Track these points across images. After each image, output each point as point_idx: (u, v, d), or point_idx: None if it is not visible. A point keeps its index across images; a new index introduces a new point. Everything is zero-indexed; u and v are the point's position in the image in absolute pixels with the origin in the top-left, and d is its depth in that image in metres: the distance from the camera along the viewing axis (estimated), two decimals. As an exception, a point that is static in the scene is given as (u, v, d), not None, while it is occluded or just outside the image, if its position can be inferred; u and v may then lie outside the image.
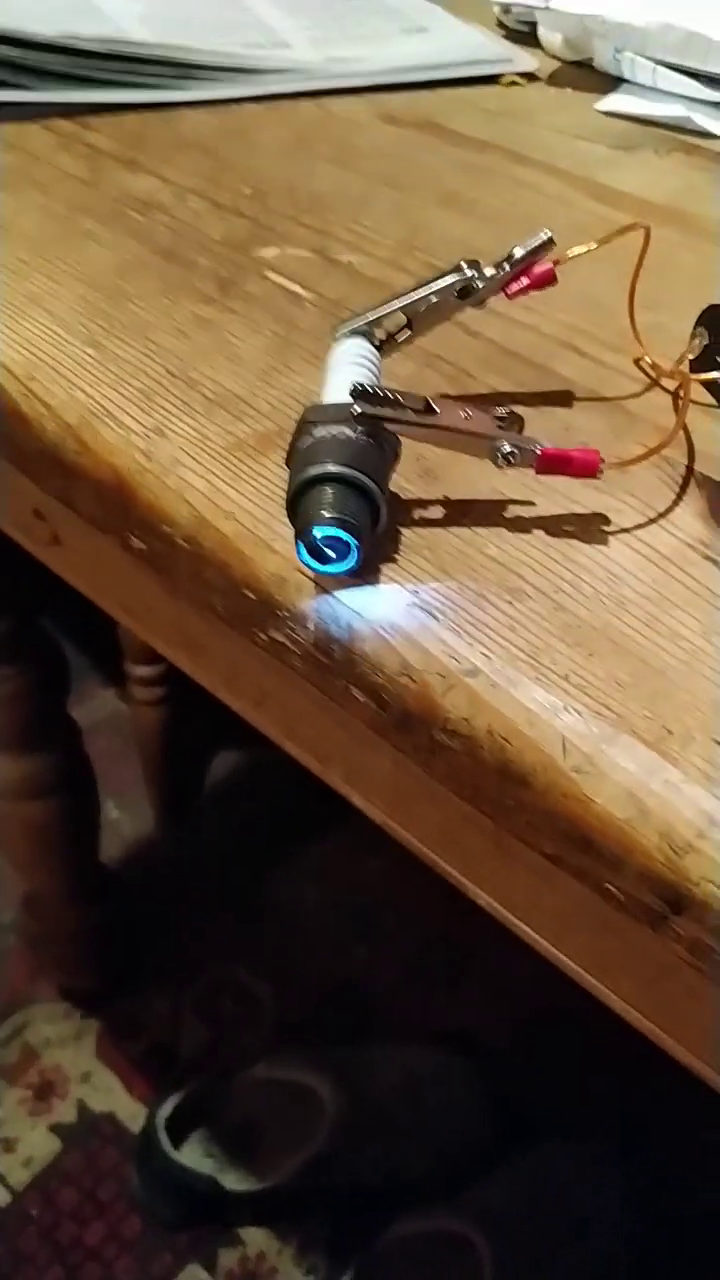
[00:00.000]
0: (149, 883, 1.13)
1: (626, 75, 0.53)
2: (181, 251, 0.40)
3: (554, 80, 0.56)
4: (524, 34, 0.60)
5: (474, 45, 0.56)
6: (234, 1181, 0.89)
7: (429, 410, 0.28)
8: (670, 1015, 0.33)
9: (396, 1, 0.60)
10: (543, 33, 0.58)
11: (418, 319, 0.32)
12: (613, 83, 0.54)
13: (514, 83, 0.55)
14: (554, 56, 0.58)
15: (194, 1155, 0.91)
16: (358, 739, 0.37)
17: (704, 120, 0.50)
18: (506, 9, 0.60)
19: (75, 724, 0.85)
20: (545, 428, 0.33)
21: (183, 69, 0.50)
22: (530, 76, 0.56)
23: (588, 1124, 0.94)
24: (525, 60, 0.56)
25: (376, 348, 0.32)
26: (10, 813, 0.84)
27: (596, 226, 0.34)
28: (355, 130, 0.50)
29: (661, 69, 0.51)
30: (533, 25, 0.59)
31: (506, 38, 0.60)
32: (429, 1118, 0.91)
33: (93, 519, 0.35)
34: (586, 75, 0.56)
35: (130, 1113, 0.98)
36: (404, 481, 0.31)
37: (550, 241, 0.32)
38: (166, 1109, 0.91)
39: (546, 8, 0.55)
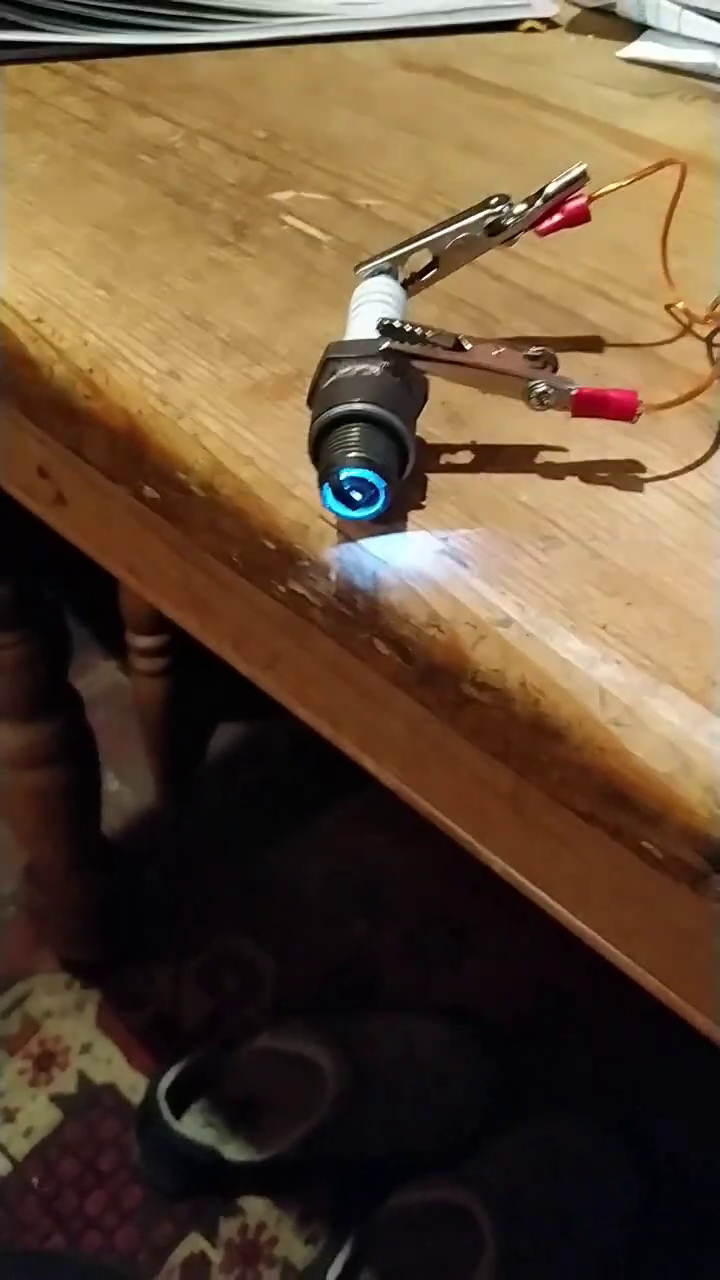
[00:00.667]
0: (151, 854, 1.13)
1: (650, 21, 0.52)
2: (194, 194, 0.39)
3: (574, 27, 0.54)
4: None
5: (492, -11, 0.54)
6: (235, 1152, 0.89)
7: (459, 348, 0.27)
8: (691, 982, 0.33)
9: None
10: (563, -22, 0.56)
11: (444, 257, 0.31)
12: (636, 30, 0.53)
13: (533, 29, 0.53)
14: (575, 3, 0.56)
15: (195, 1126, 0.91)
16: (371, 702, 0.36)
17: (730, 68, 0.49)
18: (524, -45, 0.59)
19: (77, 693, 0.84)
20: (575, 373, 0.31)
21: (194, 11, 0.49)
22: (550, 23, 0.54)
23: (590, 1095, 0.94)
24: (545, 5, 0.54)
25: (401, 287, 0.31)
26: (12, 782, 0.83)
27: (621, 173, 0.33)
28: (371, 75, 0.48)
29: (688, 13, 0.50)
30: (552, -29, 0.57)
31: (524, -15, 0.58)
32: (431, 1089, 0.90)
33: (104, 468, 0.34)
34: (609, 22, 0.54)
35: (131, 1083, 0.97)
36: (430, 426, 0.29)
37: (584, 176, 0.30)
38: (167, 1080, 0.91)
39: (567, -49, 0.53)
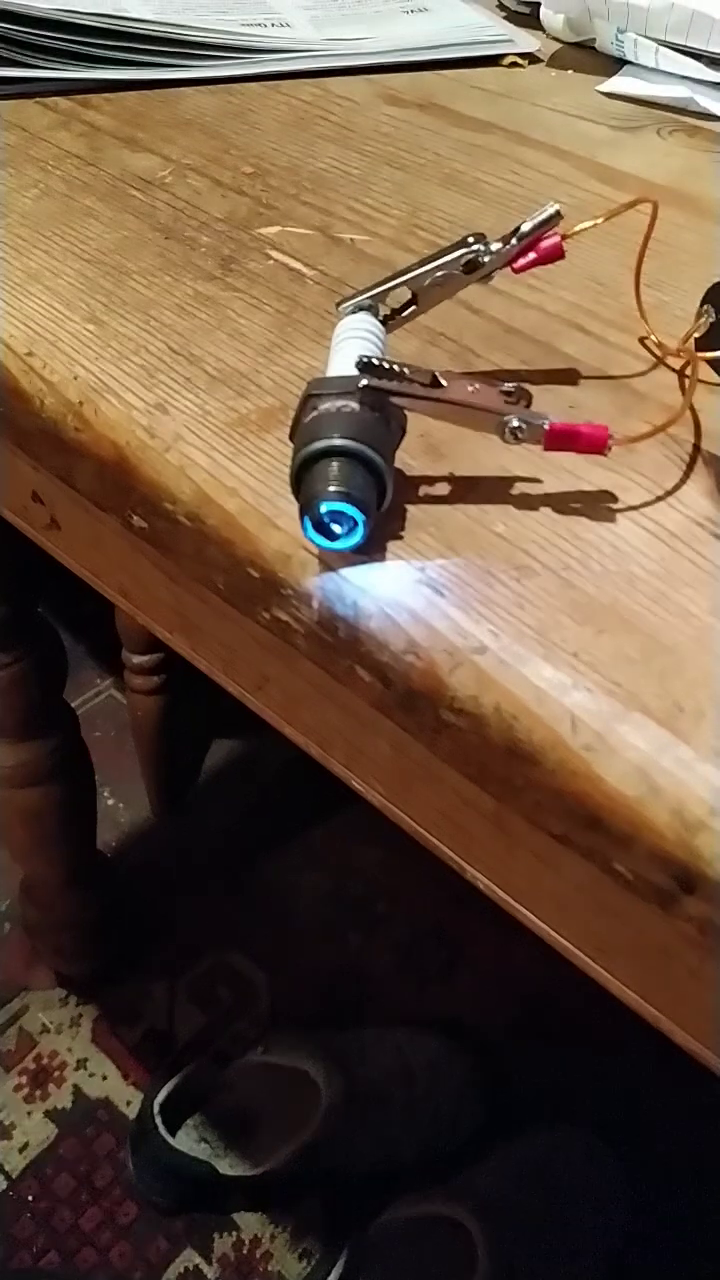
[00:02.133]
0: (145, 870, 1.13)
1: (629, 57, 0.53)
2: (182, 229, 0.40)
3: (555, 62, 0.55)
4: (525, 16, 0.60)
5: (475, 26, 0.56)
6: (229, 1166, 0.89)
7: (436, 384, 0.28)
8: (672, 998, 0.33)
9: (397, -19, 0.59)
10: (544, 14, 0.57)
11: (423, 294, 0.32)
12: (615, 64, 0.54)
13: (515, 64, 0.54)
14: (555, 38, 0.57)
15: (189, 1141, 0.91)
16: (358, 722, 0.37)
17: (707, 101, 0.50)
18: (508, -10, 0.60)
19: (72, 711, 0.84)
20: (550, 406, 0.33)
21: (182, 48, 0.50)
22: (531, 58, 0.55)
23: (581, 1107, 0.94)
24: (527, 41, 0.55)
25: (381, 323, 0.32)
26: (8, 800, 0.84)
27: (599, 207, 0.34)
28: (356, 110, 0.50)
29: (664, 50, 0.51)
30: (534, 7, 0.59)
31: (508, 20, 0.59)
32: (423, 1102, 0.91)
33: (93, 497, 0.35)
34: (588, 57, 0.55)
35: (126, 1099, 0.98)
36: (409, 458, 0.30)
37: (557, 215, 0.31)
38: (161, 1095, 0.91)
39: (548, -13, 0.55)
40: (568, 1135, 0.89)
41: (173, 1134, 0.91)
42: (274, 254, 0.39)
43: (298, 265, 0.38)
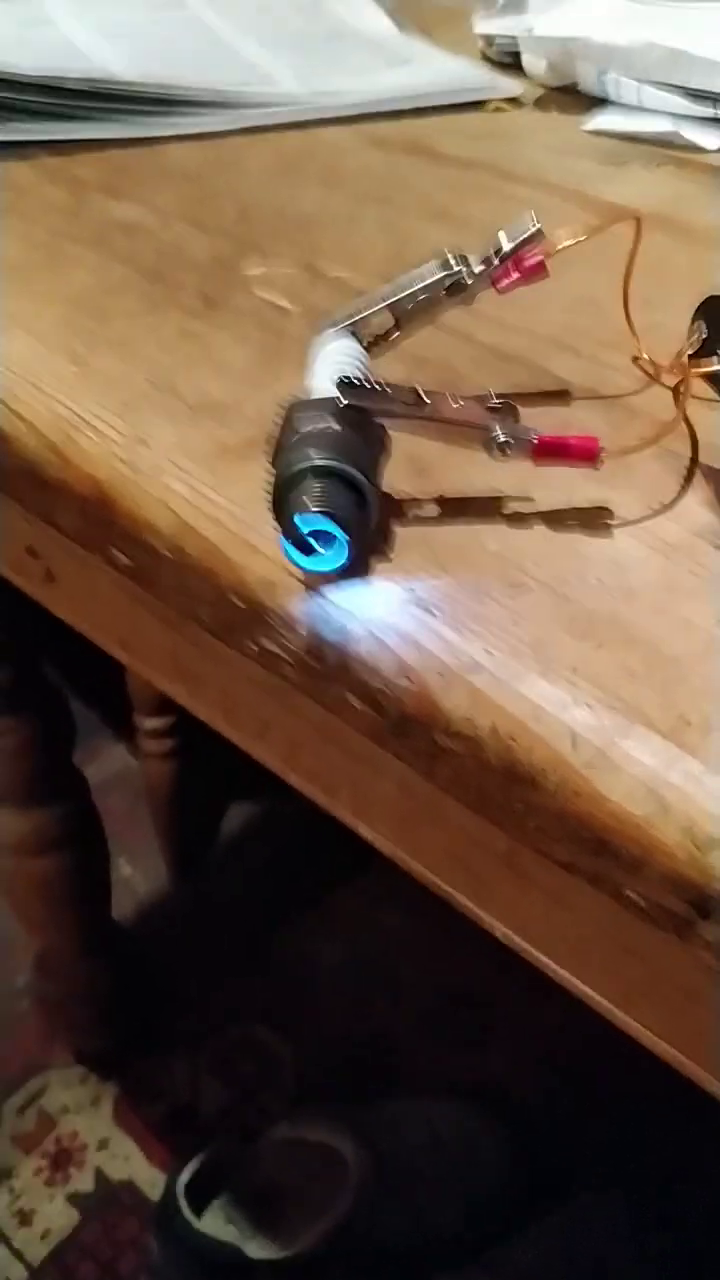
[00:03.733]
0: (163, 940, 1.11)
1: (612, 96, 0.53)
2: (166, 271, 0.40)
3: (540, 105, 0.56)
4: (508, 64, 0.60)
5: (458, 74, 0.56)
6: (257, 1249, 0.85)
7: (419, 401, 0.27)
8: (701, 1045, 0.31)
9: (381, 37, 0.60)
10: (526, 59, 0.58)
11: (405, 318, 0.31)
12: (599, 104, 0.54)
13: (499, 108, 0.55)
14: (539, 83, 0.58)
15: (216, 1223, 0.87)
16: (360, 763, 0.35)
17: (692, 134, 0.50)
18: (490, 40, 0.61)
19: (82, 776, 0.83)
20: (543, 426, 0.32)
21: (167, 104, 0.50)
22: (515, 102, 0.56)
23: (621, 1178, 0.90)
24: (510, 85, 0.56)
25: (364, 349, 0.31)
26: (18, 868, 0.82)
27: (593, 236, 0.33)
28: (342, 155, 0.50)
29: (646, 87, 0.51)
30: (516, 55, 0.59)
31: (491, 69, 0.60)
32: (456, 1175, 0.87)
33: (76, 536, 0.34)
34: (572, 98, 0.56)
35: (150, 1180, 0.94)
36: (396, 481, 0.30)
37: (539, 232, 0.31)
38: (185, 1175, 0.88)
39: (530, 33, 0.55)
40: (610, 1205, 0.85)
41: (199, 1215, 0.87)
42: (258, 291, 0.39)
43: (282, 301, 0.38)
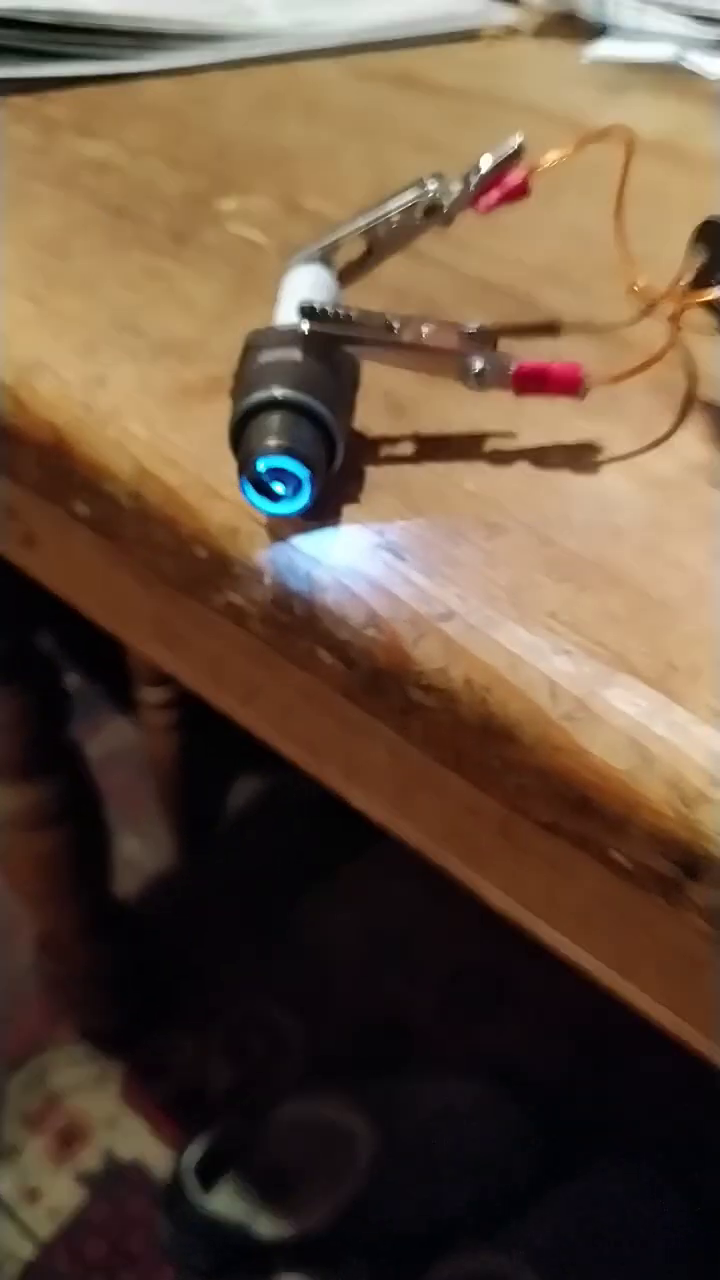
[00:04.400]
0: (170, 917, 1.10)
1: (612, 21, 0.51)
2: (134, 208, 0.37)
3: (537, 33, 0.53)
4: (506, -4, 0.58)
5: (451, 2, 0.53)
6: (267, 1227, 0.85)
7: (389, 328, 0.25)
8: (702, 1013, 0.30)
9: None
10: (525, -10, 0.55)
11: (379, 244, 0.29)
12: (599, 31, 0.51)
13: (495, 38, 0.52)
14: (537, 11, 0.55)
15: (225, 1201, 0.87)
16: (351, 729, 0.34)
17: (695, 59, 0.47)
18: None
19: (80, 750, 0.82)
20: (530, 358, 0.30)
21: (143, 39, 0.48)
22: (512, 31, 0.53)
23: (635, 1151, 0.89)
24: (505, 13, 0.53)
25: (337, 278, 0.29)
26: (16, 844, 0.81)
27: (584, 162, 0.31)
28: (326, 88, 0.47)
29: (649, 9, 0.48)
30: (515, -13, 0.57)
31: None
32: (468, 1152, 0.86)
33: (37, 487, 0.32)
34: (571, 27, 0.53)
35: (158, 1158, 0.93)
36: (369, 418, 0.27)
37: (521, 147, 0.28)
38: (194, 1153, 0.87)
39: (526, -40, 0.52)
40: (623, 1180, 0.84)
41: (208, 1194, 0.86)
42: (231, 226, 0.36)
43: (255, 235, 0.36)
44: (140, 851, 1.16)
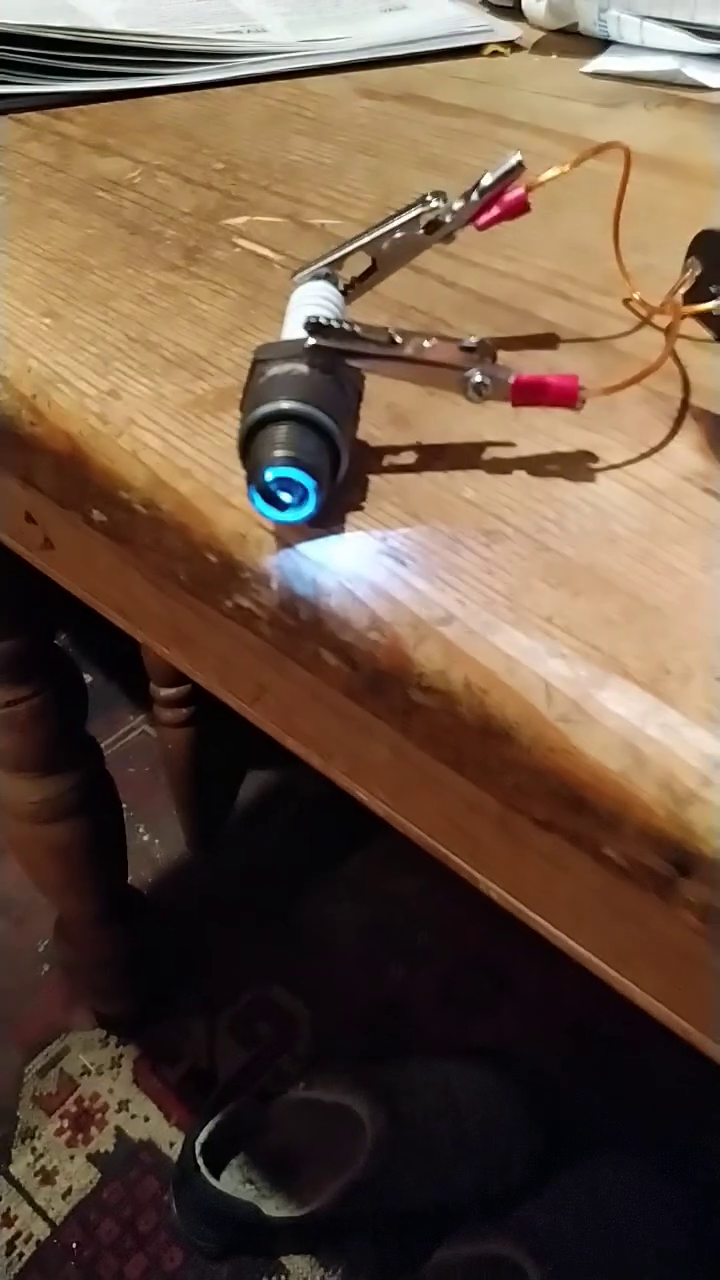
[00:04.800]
0: (182, 906, 1.11)
1: (613, 36, 0.51)
2: (148, 224, 0.39)
3: (538, 49, 0.54)
4: (506, 8, 0.59)
5: (454, 19, 0.54)
6: (274, 1208, 0.86)
7: (391, 342, 0.26)
8: (698, 1007, 0.31)
9: (376, -18, 0.59)
10: (526, 2, 0.56)
11: (383, 259, 0.30)
12: (599, 46, 0.52)
13: (496, 52, 0.53)
14: (539, 27, 0.56)
15: (233, 1182, 0.88)
16: (354, 726, 0.35)
17: (695, 72, 0.48)
18: (490, -17, 0.59)
19: (97, 745, 0.83)
20: (528, 370, 0.31)
21: (155, 56, 0.49)
22: (513, 46, 0.54)
23: (637, 1138, 0.90)
24: (507, 29, 0.54)
25: (342, 293, 0.30)
26: (35, 836, 0.83)
27: (582, 177, 0.32)
28: (332, 105, 0.49)
29: (649, 24, 0.49)
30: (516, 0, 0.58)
31: (490, 13, 0.58)
32: (473, 1136, 0.87)
33: (54, 495, 0.33)
34: (572, 42, 0.54)
35: (169, 1140, 0.95)
36: (372, 428, 0.29)
37: (520, 165, 0.30)
38: (203, 1136, 0.89)
39: (528, -27, 0.53)
40: (625, 1165, 0.85)
41: (216, 1175, 0.88)
42: (241, 242, 0.38)
43: (265, 251, 0.37)
44: (154, 843, 1.17)
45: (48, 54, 0.48)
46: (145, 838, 1.17)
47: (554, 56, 0.53)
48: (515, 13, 0.57)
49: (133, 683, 1.14)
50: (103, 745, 0.84)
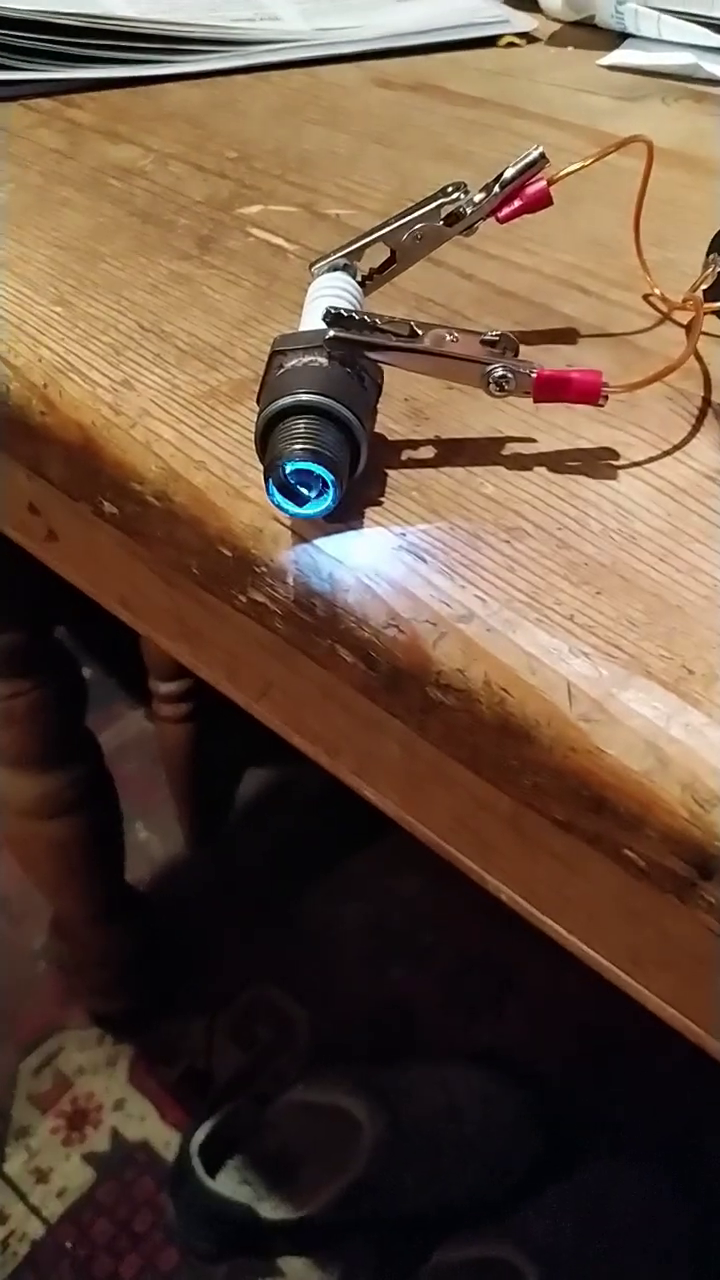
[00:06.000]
0: (180, 904, 1.11)
1: (630, 29, 0.51)
2: (160, 213, 0.38)
3: (554, 40, 0.54)
4: (522, 0, 0.58)
5: (470, 9, 0.54)
6: (271, 1210, 0.86)
7: (412, 334, 0.26)
8: (709, 1010, 0.30)
9: (391, -27, 0.58)
10: (543, -6, 0.56)
11: (402, 251, 0.30)
12: (616, 39, 0.52)
13: (512, 43, 0.52)
14: (555, 19, 0.55)
15: (230, 1183, 0.88)
16: (363, 724, 0.34)
17: (713, 67, 0.47)
18: (505, -24, 0.58)
19: (95, 740, 0.83)
20: (547, 365, 0.30)
21: (167, 43, 0.49)
22: (529, 38, 0.54)
23: (637, 1143, 0.90)
24: (523, 20, 0.53)
25: (360, 284, 0.30)
26: (32, 832, 0.82)
27: (602, 171, 0.31)
28: (346, 94, 0.48)
29: (666, 18, 0.49)
30: (532, -9, 0.57)
31: (505, 4, 0.58)
32: (471, 1140, 0.87)
33: (64, 486, 0.33)
34: (589, 34, 0.53)
35: (165, 1140, 0.95)
36: (391, 423, 0.28)
37: (542, 158, 0.29)
38: (200, 1136, 0.89)
39: (545, -35, 0.53)
40: (626, 1170, 0.85)
41: (213, 1176, 0.88)
42: (255, 231, 0.37)
43: (279, 241, 0.36)
44: (152, 840, 1.17)
45: (58, 40, 0.47)
46: (143, 835, 1.17)
47: (570, 49, 0.52)
48: (531, 4, 0.57)
49: (131, 677, 1.13)
50: (100, 740, 0.84)
